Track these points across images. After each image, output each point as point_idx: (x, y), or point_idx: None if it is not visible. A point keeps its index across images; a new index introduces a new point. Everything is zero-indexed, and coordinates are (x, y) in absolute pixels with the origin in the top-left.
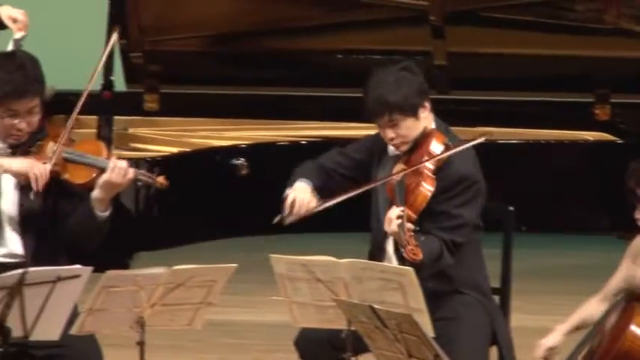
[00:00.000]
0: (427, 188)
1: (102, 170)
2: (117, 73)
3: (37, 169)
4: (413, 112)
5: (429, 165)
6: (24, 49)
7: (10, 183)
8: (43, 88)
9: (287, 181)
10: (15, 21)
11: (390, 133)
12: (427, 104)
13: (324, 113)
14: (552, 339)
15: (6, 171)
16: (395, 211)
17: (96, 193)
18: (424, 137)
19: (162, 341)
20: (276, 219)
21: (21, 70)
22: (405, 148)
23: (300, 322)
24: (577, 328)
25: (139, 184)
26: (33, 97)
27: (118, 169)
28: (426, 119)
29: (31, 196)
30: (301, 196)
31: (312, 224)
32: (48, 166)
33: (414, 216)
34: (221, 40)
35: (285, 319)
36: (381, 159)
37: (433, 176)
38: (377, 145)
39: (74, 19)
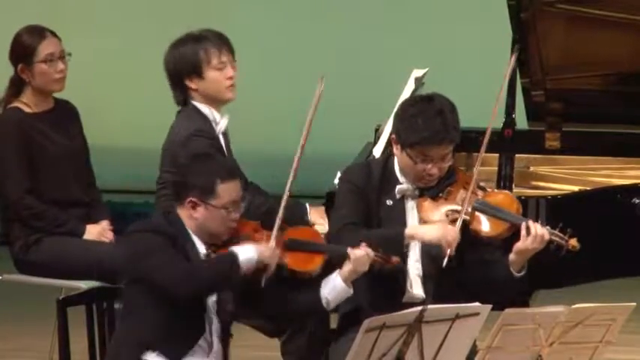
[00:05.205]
0: None
1: (513, 225)
2: (519, 111)
3: (450, 236)
4: None
5: None
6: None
7: (416, 245)
8: (458, 135)
9: None
10: None
11: None
12: None
13: None
14: None
15: (419, 240)
16: None
17: (512, 258)
18: None
19: None
20: None
21: (440, 116)
22: None
23: None
24: None
25: (552, 245)
26: (449, 144)
27: (535, 237)
28: None
29: (444, 263)
30: None
31: None
32: (457, 229)
33: None
34: (624, 78)
35: None
36: None
37: None
38: None
39: (483, 62)
